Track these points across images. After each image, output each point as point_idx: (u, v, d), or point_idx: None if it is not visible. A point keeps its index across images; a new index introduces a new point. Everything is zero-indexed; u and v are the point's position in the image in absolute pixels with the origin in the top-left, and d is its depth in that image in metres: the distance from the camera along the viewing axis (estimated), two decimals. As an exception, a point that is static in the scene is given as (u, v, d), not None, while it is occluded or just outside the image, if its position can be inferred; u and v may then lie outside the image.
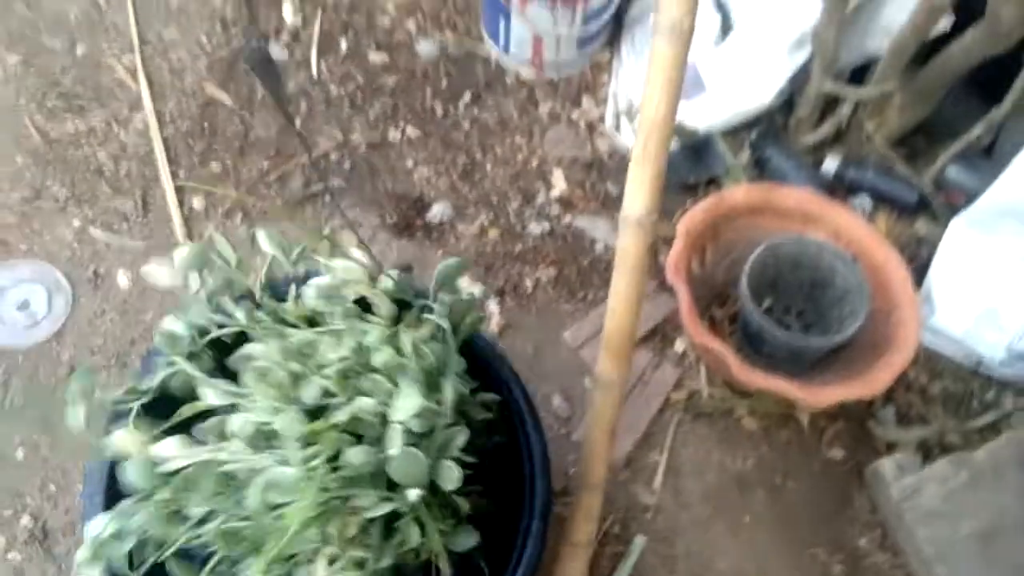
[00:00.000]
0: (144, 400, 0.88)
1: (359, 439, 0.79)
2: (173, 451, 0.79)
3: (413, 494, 0.77)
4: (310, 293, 0.87)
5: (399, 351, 0.82)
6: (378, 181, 1.61)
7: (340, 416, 0.78)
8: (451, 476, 0.80)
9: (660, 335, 1.46)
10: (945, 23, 1.40)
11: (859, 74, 1.56)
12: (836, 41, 1.42)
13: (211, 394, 0.85)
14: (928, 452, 1.34)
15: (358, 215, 1.57)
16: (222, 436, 0.83)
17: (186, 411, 0.85)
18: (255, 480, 0.76)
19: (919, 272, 1.47)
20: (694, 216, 1.39)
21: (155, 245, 1.51)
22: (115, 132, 1.61)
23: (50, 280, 1.46)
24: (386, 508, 0.77)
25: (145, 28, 1.71)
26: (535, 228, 1.56)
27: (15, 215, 1.53)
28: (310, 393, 0.81)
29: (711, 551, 1.30)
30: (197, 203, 1.55)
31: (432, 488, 0.80)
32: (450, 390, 0.83)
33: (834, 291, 1.36)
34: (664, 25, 0.87)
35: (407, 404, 0.78)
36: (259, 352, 0.85)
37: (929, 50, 1.44)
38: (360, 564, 0.77)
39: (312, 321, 0.89)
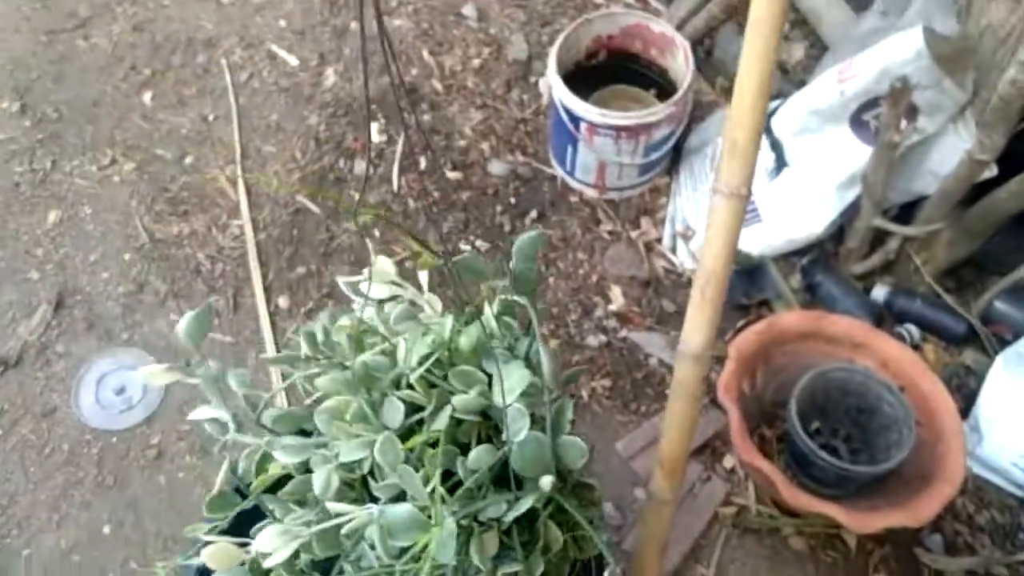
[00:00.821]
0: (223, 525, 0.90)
1: (463, 450, 0.75)
2: (272, 543, 0.84)
3: (547, 482, 0.71)
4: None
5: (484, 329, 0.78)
6: (446, 291, 1.73)
7: (439, 424, 0.74)
8: (576, 452, 0.74)
9: (710, 450, 1.52)
10: (991, 171, 1.48)
11: (908, 209, 1.64)
12: (884, 183, 1.51)
13: (281, 454, 0.85)
14: (975, 584, 1.36)
15: (428, 320, 1.68)
16: (301, 502, 0.84)
17: (258, 484, 0.87)
18: (369, 531, 0.72)
19: (967, 401, 1.52)
20: (746, 339, 1.46)
21: (243, 340, 1.64)
22: (214, 236, 1.77)
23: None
24: (523, 507, 0.72)
25: (247, 143, 1.90)
26: (593, 340, 1.66)
27: (120, 306, 1.68)
28: (393, 415, 0.77)
29: (756, 671, 1.32)
30: (283, 302, 1.69)
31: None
32: (546, 358, 0.78)
33: (881, 418, 1.41)
34: (723, 189, 0.97)
35: (516, 378, 0.72)
36: (324, 386, 0.83)
37: (977, 191, 1.52)
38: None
39: (360, 344, 0.87)
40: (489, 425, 0.84)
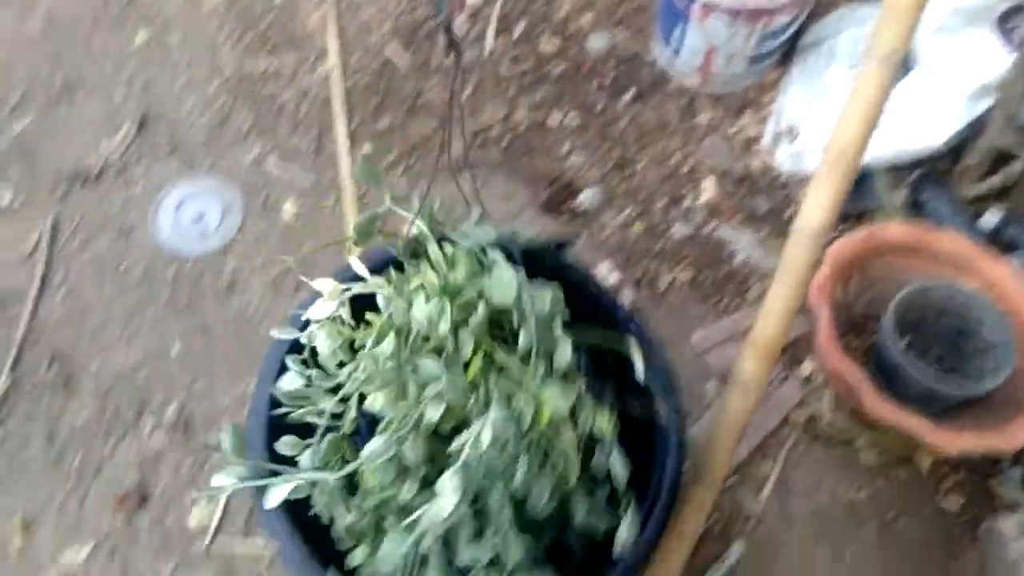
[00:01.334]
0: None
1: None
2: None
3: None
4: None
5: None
6: (533, 160, 1.67)
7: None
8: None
9: (789, 354, 1.47)
10: None
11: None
12: (1022, 96, 1.40)
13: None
14: (1050, 522, 1.30)
15: (510, 188, 1.63)
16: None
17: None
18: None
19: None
20: (845, 245, 1.39)
21: (323, 182, 1.61)
22: (301, 76, 1.72)
23: (226, 198, 1.58)
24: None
25: (342, -16, 1.82)
26: (678, 230, 1.59)
27: (203, 135, 1.65)
28: None
29: (809, 572, 1.30)
30: (365, 151, 1.65)
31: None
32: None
33: (978, 342, 1.34)
34: (878, 52, 0.89)
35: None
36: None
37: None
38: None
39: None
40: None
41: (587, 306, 1.04)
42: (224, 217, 1.55)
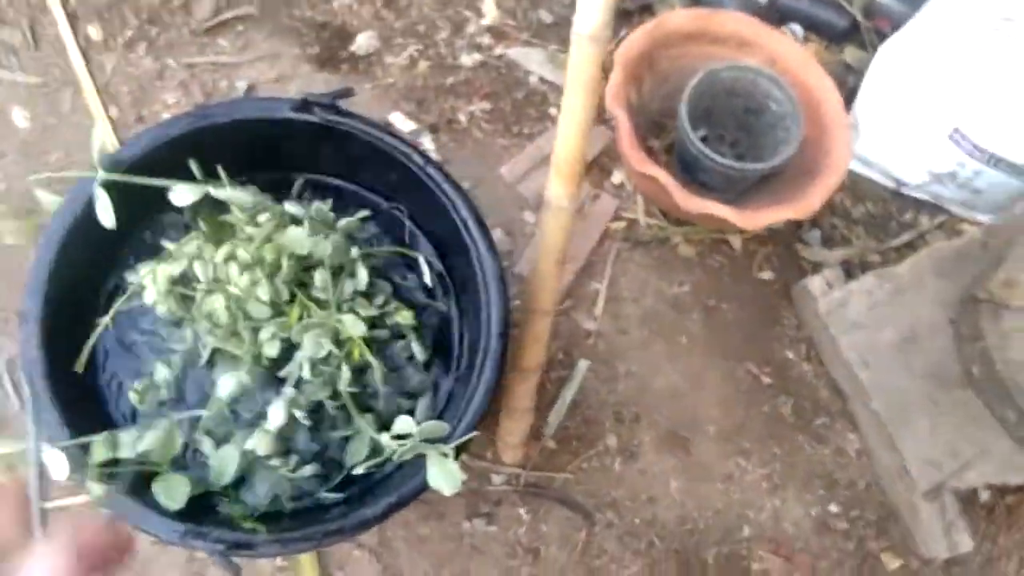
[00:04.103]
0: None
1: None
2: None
3: None
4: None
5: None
6: (294, 8, 1.50)
7: None
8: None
9: (598, 167, 1.46)
10: None
11: None
12: None
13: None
14: (850, 271, 1.42)
15: (276, 46, 1.46)
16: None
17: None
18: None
19: (847, 99, 1.50)
20: (632, 43, 1.35)
21: (53, 80, 1.37)
22: (-12, -48, 1.42)
23: (-65, 121, 1.32)
24: None
25: None
26: (467, 60, 1.50)
27: None
28: None
29: (650, 371, 1.36)
30: (94, 32, 1.41)
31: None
32: None
33: (768, 117, 1.37)
34: None
35: None
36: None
37: None
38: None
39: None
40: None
41: (383, 164, 0.97)
42: (-60, 143, 1.31)
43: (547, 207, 1.04)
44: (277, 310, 0.90)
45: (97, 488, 0.83)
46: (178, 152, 0.92)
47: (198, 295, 0.91)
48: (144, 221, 1.01)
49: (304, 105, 0.92)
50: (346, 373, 0.89)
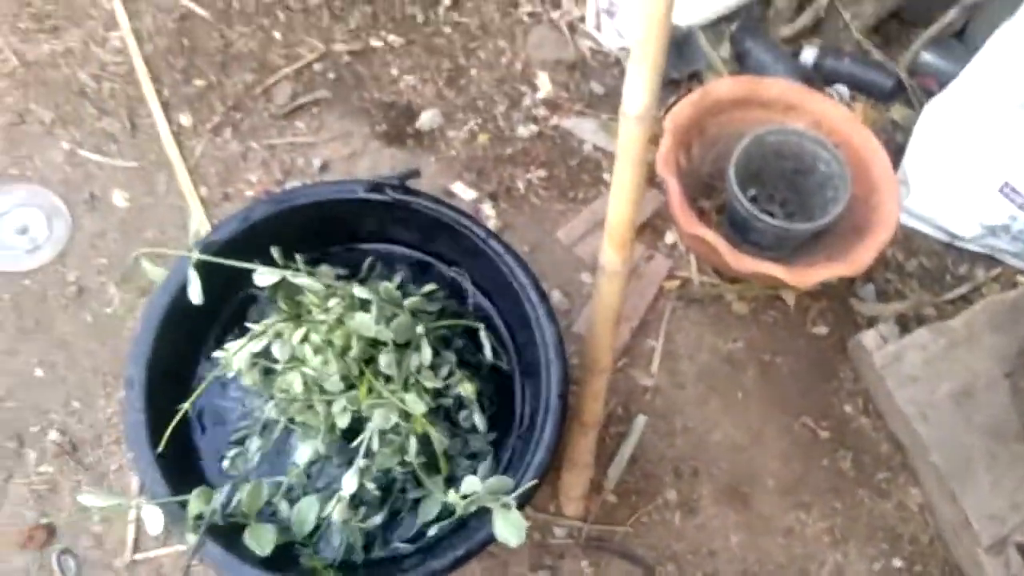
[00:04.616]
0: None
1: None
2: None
3: None
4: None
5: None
6: (364, 90, 1.62)
7: None
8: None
9: (651, 228, 1.52)
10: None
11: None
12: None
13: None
14: (905, 325, 1.43)
15: (347, 126, 1.58)
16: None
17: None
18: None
19: (895, 156, 1.54)
20: (681, 111, 1.42)
21: (149, 163, 1.51)
22: (93, 52, 1.59)
23: (47, 204, 1.46)
24: None
25: (112, -59, 1.66)
26: (523, 131, 1.59)
27: (2, 140, 1.51)
28: None
29: (707, 425, 1.39)
30: (185, 119, 1.55)
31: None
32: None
33: (816, 177, 1.41)
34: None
35: None
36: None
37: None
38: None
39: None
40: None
41: (448, 236, 1.05)
42: (51, 223, 1.45)
43: (601, 272, 1.10)
44: (348, 384, 0.98)
45: (193, 537, 0.91)
46: (262, 233, 1.03)
47: (278, 370, 1.00)
48: (231, 299, 1.11)
49: (376, 187, 1.01)
50: (413, 444, 0.96)
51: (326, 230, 1.09)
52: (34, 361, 1.38)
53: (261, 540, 0.89)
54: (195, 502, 0.91)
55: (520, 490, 0.89)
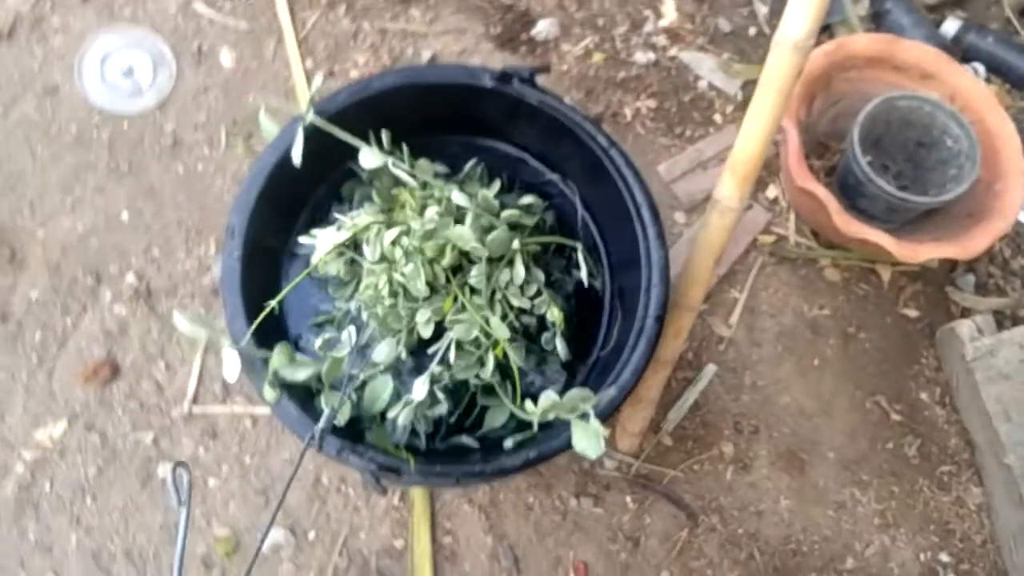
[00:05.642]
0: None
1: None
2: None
3: None
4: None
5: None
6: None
7: None
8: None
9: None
10: None
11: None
12: None
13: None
14: (1000, 323, 1.38)
15: (462, 22, 1.53)
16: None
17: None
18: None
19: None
20: (814, 60, 1.35)
21: (259, 28, 1.49)
22: (219, -96, 1.55)
23: (155, 50, 1.45)
24: None
25: None
26: (640, 57, 1.53)
27: (118, -21, 1.50)
28: None
29: (776, 386, 1.36)
30: (301, -11, 1.52)
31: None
32: None
33: (940, 153, 1.35)
34: None
35: None
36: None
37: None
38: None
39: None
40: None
41: (566, 141, 1.01)
42: (156, 70, 1.44)
43: (714, 205, 1.06)
44: (432, 290, 0.96)
45: (271, 392, 0.91)
46: (376, 107, 1.00)
47: (364, 267, 0.98)
48: (329, 176, 1.09)
49: (504, 76, 0.98)
50: (492, 361, 0.94)
51: (441, 116, 1.07)
52: (122, 204, 1.39)
53: (335, 411, 0.89)
54: (278, 356, 0.91)
55: (607, 403, 0.88)
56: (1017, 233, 1.46)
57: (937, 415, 1.36)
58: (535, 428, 0.89)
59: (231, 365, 0.91)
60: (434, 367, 0.94)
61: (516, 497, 1.30)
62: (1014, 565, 1.28)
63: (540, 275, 1.03)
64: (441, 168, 1.06)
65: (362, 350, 0.98)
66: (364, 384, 0.96)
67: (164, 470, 1.27)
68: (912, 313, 1.41)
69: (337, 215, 1.02)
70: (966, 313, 1.39)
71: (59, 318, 1.33)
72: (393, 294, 0.97)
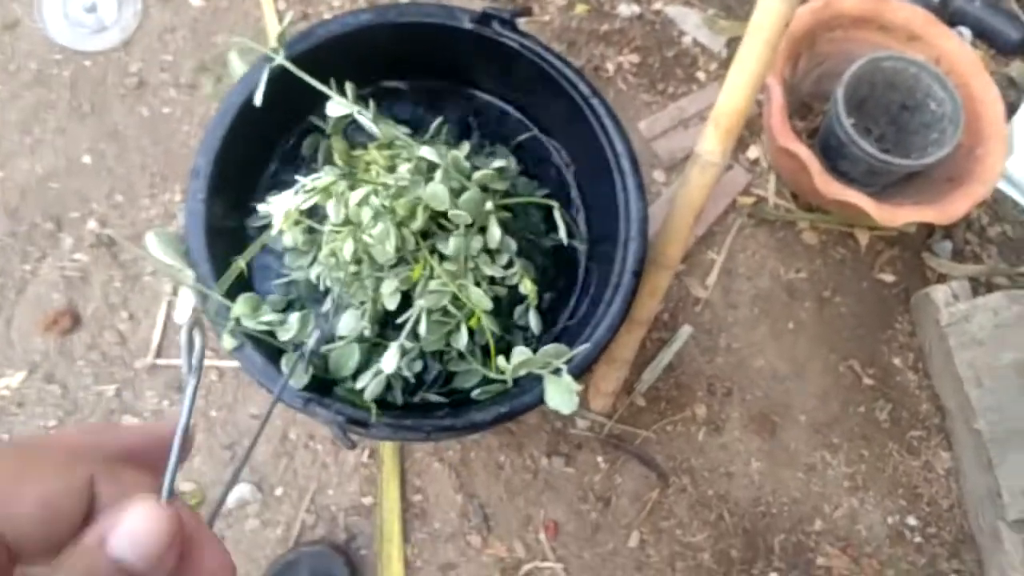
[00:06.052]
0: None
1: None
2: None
3: None
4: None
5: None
6: None
7: None
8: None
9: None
10: None
11: None
12: None
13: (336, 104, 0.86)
14: (976, 290, 1.37)
15: (441, -32, 1.48)
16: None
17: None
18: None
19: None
20: (801, 18, 1.33)
21: (229, -34, 1.43)
22: None
23: (118, -15, 1.39)
24: None
25: None
26: (624, 10, 1.50)
27: (80, -90, 1.43)
28: None
29: (751, 349, 1.35)
30: (274, -73, 1.46)
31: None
32: None
33: (924, 116, 1.33)
34: None
35: None
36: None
37: None
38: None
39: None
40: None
41: (545, 90, 0.98)
42: (121, 7, 1.37)
43: (695, 160, 1.04)
44: (400, 258, 0.90)
45: (231, 340, 0.88)
46: (347, 51, 0.96)
47: (325, 234, 0.91)
48: (292, 132, 1.04)
49: (485, 18, 0.94)
50: (464, 333, 0.90)
51: (417, 59, 1.02)
52: (83, 147, 1.34)
53: (295, 372, 0.85)
54: (241, 304, 0.88)
55: (576, 359, 0.86)
56: (995, 200, 1.45)
57: (909, 380, 1.37)
58: (507, 377, 0.87)
59: (184, 304, 0.87)
60: (402, 339, 0.90)
61: (487, 456, 1.29)
62: (980, 529, 1.29)
63: (512, 244, 0.97)
64: (404, 129, 1.00)
65: (324, 317, 0.94)
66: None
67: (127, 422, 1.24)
68: (888, 278, 1.40)
69: (297, 177, 0.97)
70: (942, 279, 1.39)
71: (17, 265, 1.29)
72: (357, 261, 0.91)
